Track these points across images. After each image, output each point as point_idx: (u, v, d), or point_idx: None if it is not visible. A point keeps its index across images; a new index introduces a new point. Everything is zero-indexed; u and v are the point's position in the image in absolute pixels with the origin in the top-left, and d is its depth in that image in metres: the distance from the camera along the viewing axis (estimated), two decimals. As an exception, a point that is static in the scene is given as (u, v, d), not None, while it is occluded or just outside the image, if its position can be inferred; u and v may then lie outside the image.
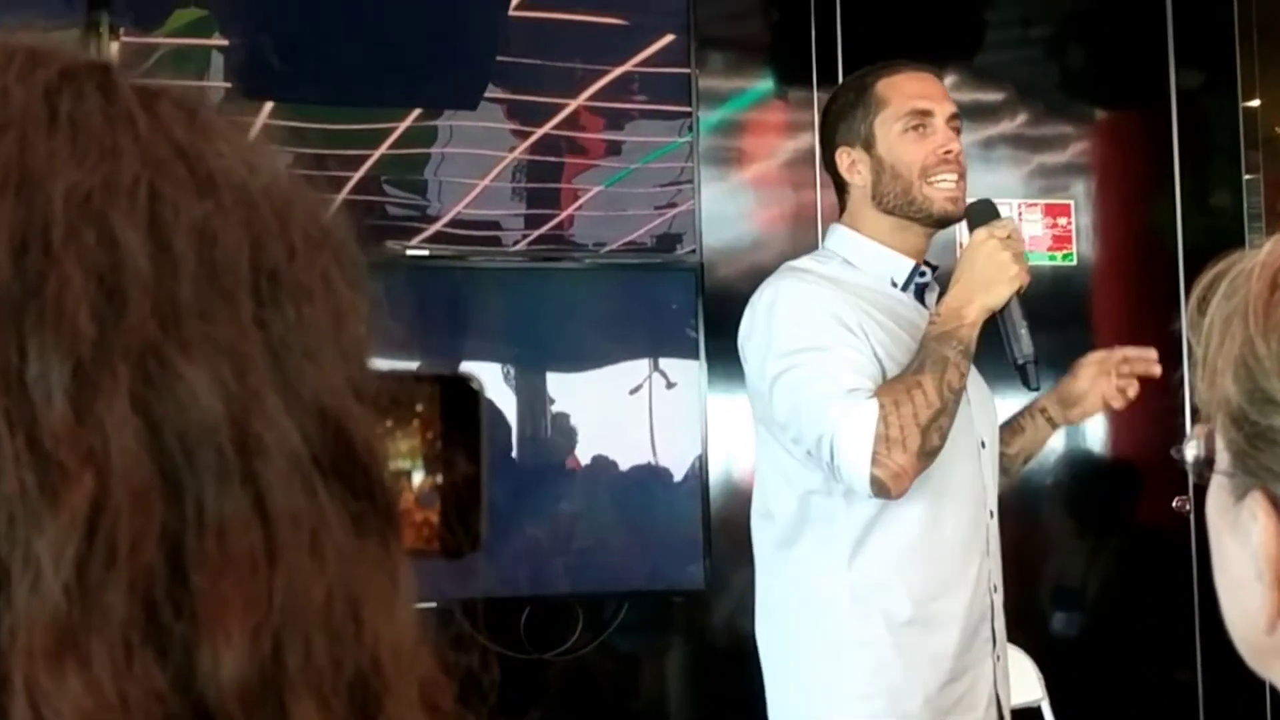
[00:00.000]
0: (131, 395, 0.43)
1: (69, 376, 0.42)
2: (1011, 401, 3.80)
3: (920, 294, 2.46)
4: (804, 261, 2.47)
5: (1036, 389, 2.40)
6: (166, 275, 0.44)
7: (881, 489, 2.19)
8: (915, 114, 2.42)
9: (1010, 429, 2.65)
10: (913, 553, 2.32)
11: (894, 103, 2.42)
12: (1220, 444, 0.80)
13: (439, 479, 0.59)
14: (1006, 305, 2.30)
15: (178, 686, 0.42)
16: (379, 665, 0.46)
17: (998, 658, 2.42)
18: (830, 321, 2.29)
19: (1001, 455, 2.59)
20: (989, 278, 2.28)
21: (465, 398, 0.61)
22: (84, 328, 0.43)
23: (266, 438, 0.44)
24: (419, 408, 0.59)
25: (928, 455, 2.20)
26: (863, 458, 2.18)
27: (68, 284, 0.43)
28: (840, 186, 2.49)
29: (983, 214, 2.37)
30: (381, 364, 0.52)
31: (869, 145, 2.43)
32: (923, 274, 2.45)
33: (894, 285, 2.43)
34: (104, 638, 0.41)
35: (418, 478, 0.58)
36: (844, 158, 2.45)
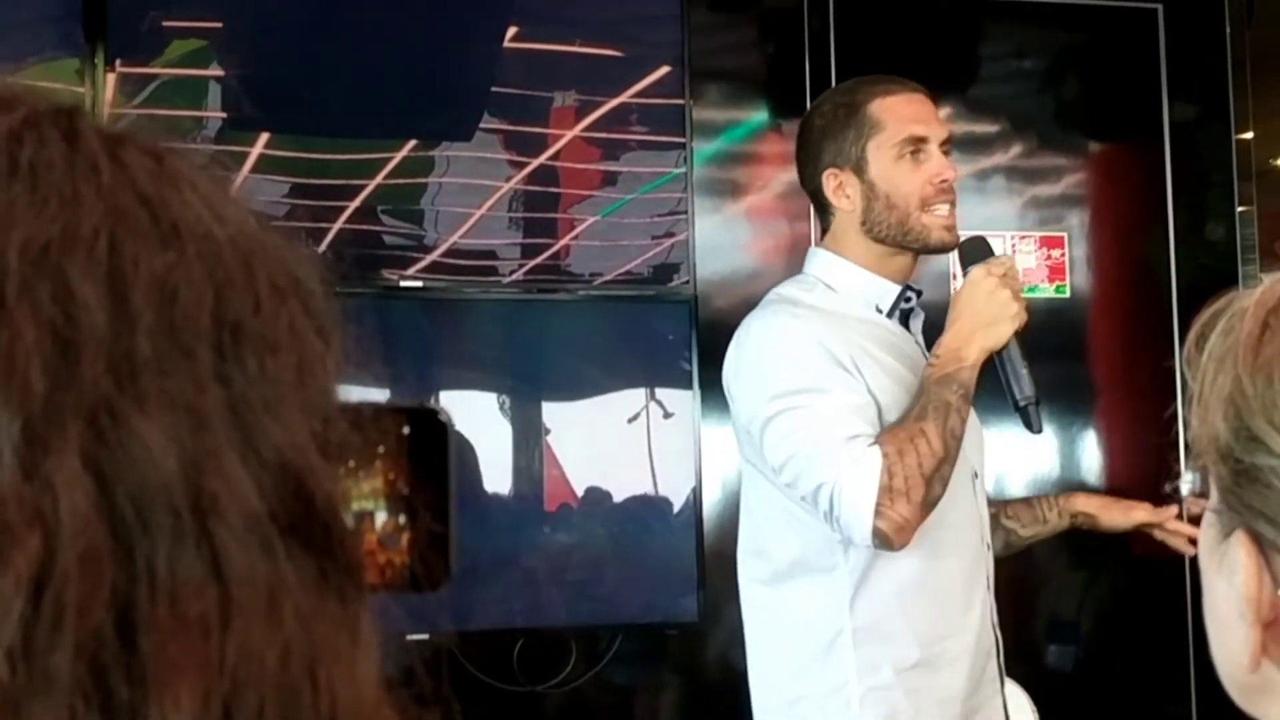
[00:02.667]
0: (83, 453, 0.42)
1: (18, 434, 0.41)
2: (1007, 435, 3.80)
3: (905, 319, 2.39)
4: (788, 289, 2.38)
5: (1039, 431, 2.32)
6: (123, 329, 0.43)
7: (884, 541, 2.12)
8: (911, 140, 2.33)
9: (1029, 514, 2.59)
10: (916, 591, 2.25)
11: (889, 127, 2.33)
12: (1211, 481, 0.80)
13: (401, 519, 0.58)
14: (1007, 345, 2.23)
15: None
16: None
17: (1004, 696, 2.38)
18: (825, 360, 2.21)
19: (1010, 532, 2.55)
20: (991, 316, 2.21)
21: (433, 430, 0.60)
22: (35, 383, 0.42)
23: (223, 496, 0.43)
24: (381, 449, 0.58)
25: (930, 505, 2.14)
26: (866, 509, 2.10)
27: (19, 338, 0.42)
28: (823, 208, 2.39)
29: (976, 251, 2.30)
30: (351, 396, 0.51)
31: (860, 170, 2.33)
32: (908, 299, 2.37)
33: (879, 311, 2.35)
34: (48, 704, 0.40)
35: (381, 519, 0.57)
36: (831, 180, 2.34)
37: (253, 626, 0.43)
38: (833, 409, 2.17)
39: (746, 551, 2.40)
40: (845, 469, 2.11)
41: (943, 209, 2.33)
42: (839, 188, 2.35)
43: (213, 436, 0.44)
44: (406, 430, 0.59)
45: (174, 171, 0.48)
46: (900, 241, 2.33)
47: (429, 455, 0.60)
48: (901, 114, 2.34)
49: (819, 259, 2.39)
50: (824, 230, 2.42)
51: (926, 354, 2.32)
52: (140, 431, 0.42)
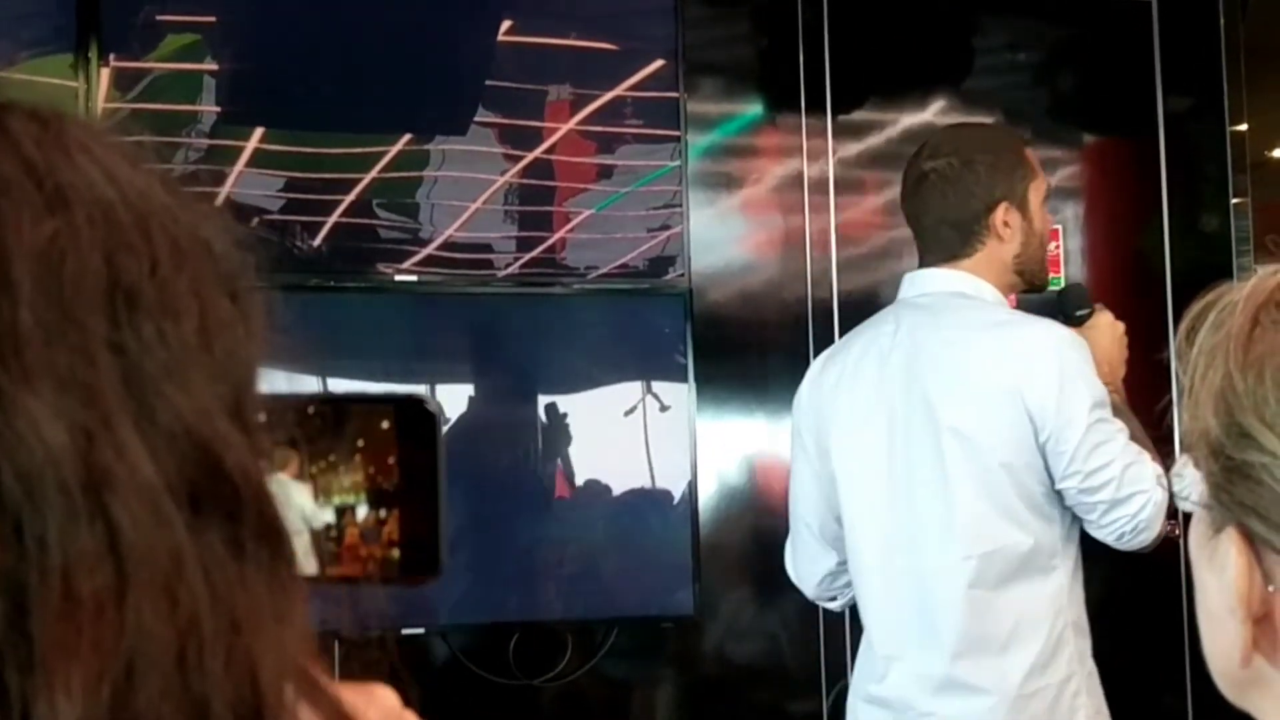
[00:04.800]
0: None
1: None
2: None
3: None
4: (997, 307, 2.57)
5: None
6: (5, 302, 0.42)
7: (1154, 546, 2.46)
8: (1048, 191, 2.66)
9: None
10: (1082, 590, 2.54)
11: (1039, 176, 2.60)
12: (1201, 475, 0.80)
13: (382, 513, 0.57)
14: None
15: None
16: (259, 695, 0.43)
17: None
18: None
19: None
20: (1122, 358, 2.58)
21: (422, 421, 0.58)
22: None
23: (116, 469, 0.42)
24: (360, 442, 0.56)
25: None
26: (1163, 519, 2.44)
27: None
28: (969, 235, 2.53)
29: (1082, 298, 2.67)
30: (342, 386, 0.50)
31: (1023, 208, 2.56)
32: None
33: None
34: None
35: (362, 513, 0.56)
36: (1003, 212, 2.53)
37: (151, 602, 0.41)
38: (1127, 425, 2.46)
39: (967, 557, 2.42)
40: (1159, 484, 2.40)
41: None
42: (1005, 221, 2.54)
43: (105, 407, 0.42)
44: (392, 421, 0.58)
45: (63, 137, 0.46)
46: (1032, 276, 2.61)
47: (417, 446, 0.58)
48: (1039, 168, 2.64)
49: (974, 283, 2.54)
50: (946, 259, 2.55)
51: None
52: (26, 407, 0.41)
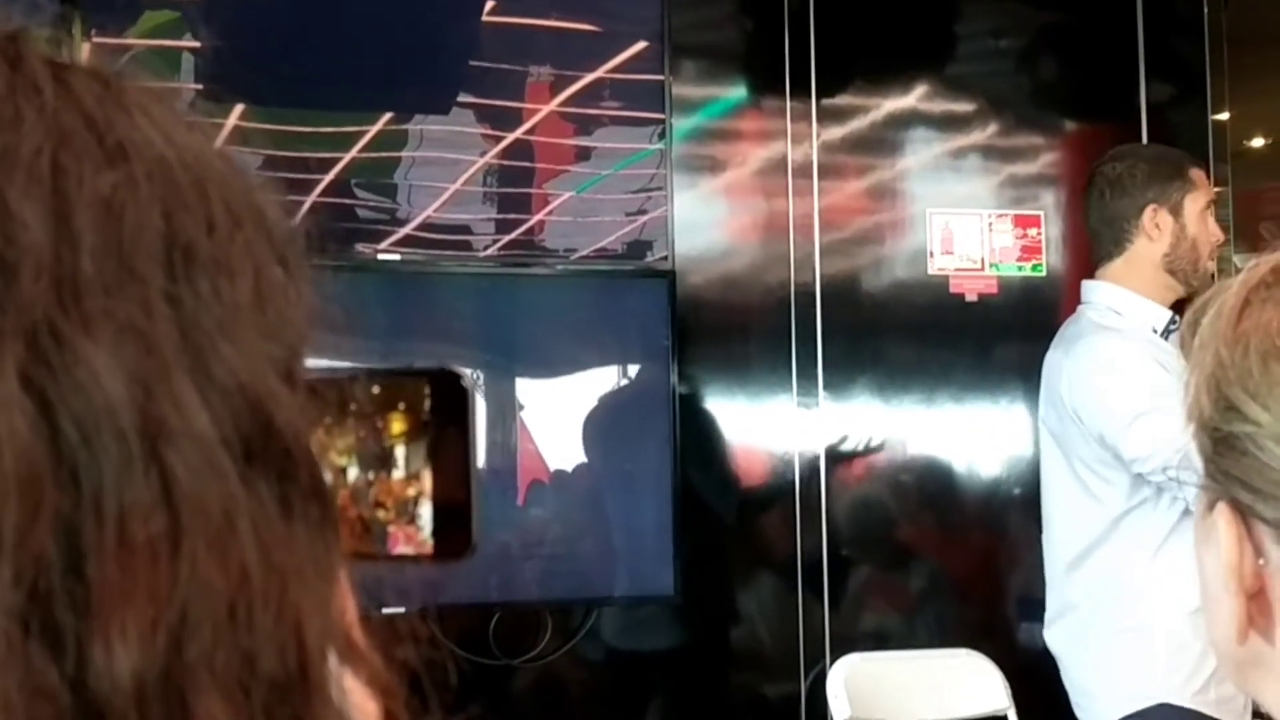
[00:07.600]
0: (21, 375, 0.40)
1: None
2: (985, 414, 3.82)
3: (1165, 338, 2.95)
4: (1100, 316, 2.91)
5: None
6: (65, 250, 0.42)
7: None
8: (1210, 203, 2.97)
9: None
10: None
11: (1200, 189, 2.94)
12: (1198, 455, 0.82)
13: (371, 476, 0.57)
14: None
15: (71, 683, 0.40)
16: (305, 652, 0.44)
17: None
18: (1156, 369, 2.77)
19: None
20: None
21: (454, 395, 0.59)
22: None
23: (172, 420, 0.42)
24: (352, 406, 0.57)
25: None
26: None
27: None
28: (1121, 238, 2.91)
29: None
30: (361, 360, 0.50)
31: (1177, 213, 2.90)
32: (1175, 323, 2.88)
33: (1154, 331, 2.90)
34: None
35: (352, 474, 0.56)
36: (1152, 214, 2.89)
37: (205, 552, 0.42)
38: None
39: (1050, 536, 2.96)
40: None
41: (1214, 262, 3.01)
42: (1154, 223, 2.90)
43: (162, 359, 0.43)
44: (425, 394, 0.58)
45: (123, 95, 0.47)
46: (1188, 278, 2.91)
47: (449, 421, 0.59)
48: (1205, 183, 2.99)
49: (1102, 291, 2.96)
50: (1104, 258, 2.95)
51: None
52: (85, 354, 0.41)
